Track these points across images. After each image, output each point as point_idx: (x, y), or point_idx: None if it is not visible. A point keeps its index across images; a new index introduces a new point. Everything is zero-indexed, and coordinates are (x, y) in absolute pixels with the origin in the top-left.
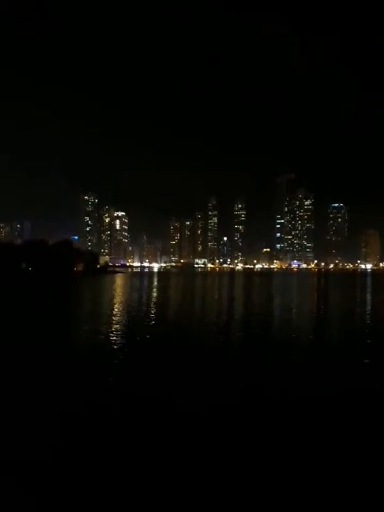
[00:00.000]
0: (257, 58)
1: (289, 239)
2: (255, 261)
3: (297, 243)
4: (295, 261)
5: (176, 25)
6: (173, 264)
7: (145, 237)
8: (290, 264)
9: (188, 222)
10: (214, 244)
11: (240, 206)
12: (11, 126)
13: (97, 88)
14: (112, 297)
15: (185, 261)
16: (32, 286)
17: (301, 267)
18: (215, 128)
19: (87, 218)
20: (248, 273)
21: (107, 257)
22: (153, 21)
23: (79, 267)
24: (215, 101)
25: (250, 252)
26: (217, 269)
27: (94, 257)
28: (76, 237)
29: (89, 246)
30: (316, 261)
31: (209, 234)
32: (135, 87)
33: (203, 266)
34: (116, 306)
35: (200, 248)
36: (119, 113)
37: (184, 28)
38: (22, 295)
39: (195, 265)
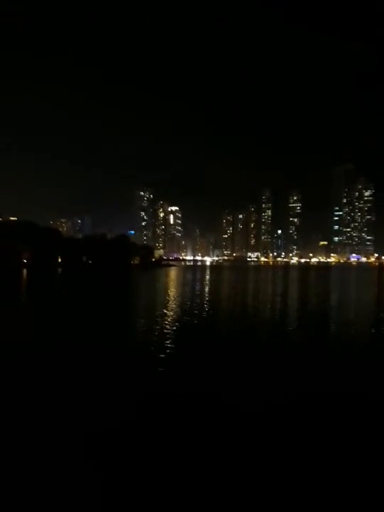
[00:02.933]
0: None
1: (348, 231)
2: (311, 254)
3: (356, 236)
4: (354, 254)
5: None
6: (226, 258)
7: (198, 231)
8: (349, 258)
9: (241, 216)
10: (267, 238)
11: (295, 198)
12: (78, 127)
13: (148, 83)
14: (167, 289)
15: (238, 255)
16: (94, 278)
17: (360, 260)
18: (268, 119)
19: (143, 213)
20: (303, 267)
21: (162, 251)
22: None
23: (135, 261)
24: (268, 92)
25: (306, 246)
26: (271, 263)
27: (149, 251)
28: (132, 232)
29: (144, 240)
30: (376, 255)
31: (262, 227)
32: (188, 83)
33: (256, 260)
34: (170, 298)
35: (253, 242)
36: (172, 107)
37: None
38: (87, 286)
39: (248, 259)
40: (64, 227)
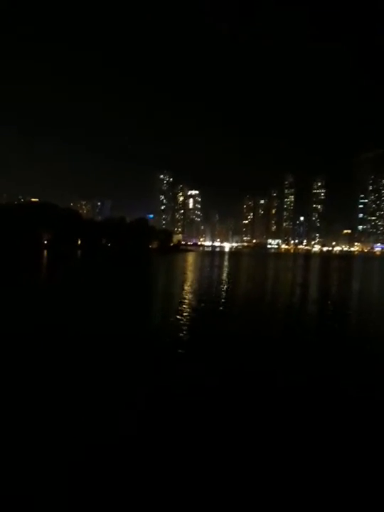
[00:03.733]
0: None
1: (373, 220)
2: (334, 243)
3: (381, 225)
4: (378, 244)
5: None
6: (245, 244)
7: (217, 216)
8: (372, 247)
9: (262, 201)
10: (289, 225)
11: (319, 184)
12: (94, 110)
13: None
14: (184, 274)
15: (258, 241)
16: (112, 261)
17: None
18: (291, 102)
19: (162, 197)
20: (325, 255)
21: (180, 236)
22: None
23: (153, 245)
24: (290, 73)
25: (329, 234)
26: (292, 250)
27: (168, 235)
28: (151, 216)
29: (163, 224)
30: None
31: (284, 213)
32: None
33: (276, 247)
34: (187, 283)
35: (274, 228)
36: (192, 92)
37: None
38: (105, 269)
39: (268, 246)
40: (84, 209)
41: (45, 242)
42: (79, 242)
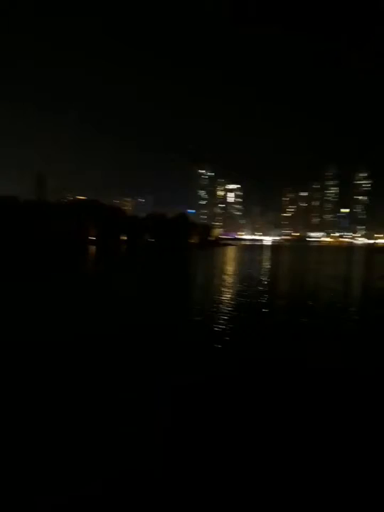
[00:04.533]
0: None
1: None
2: (381, 235)
3: None
4: None
5: None
6: (286, 237)
7: (257, 210)
8: None
9: (303, 194)
10: (332, 217)
11: (363, 175)
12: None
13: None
14: (222, 268)
15: (299, 234)
16: (154, 256)
17: None
18: (332, 91)
19: (202, 192)
20: (370, 249)
21: (220, 230)
22: None
23: (194, 239)
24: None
25: (374, 226)
26: (335, 243)
27: (207, 229)
28: (193, 211)
29: (203, 219)
30: None
31: (326, 206)
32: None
33: (318, 240)
34: (225, 278)
35: (315, 221)
36: (234, 85)
37: None
38: (148, 263)
39: (310, 239)
40: (128, 205)
41: (92, 238)
42: (123, 237)
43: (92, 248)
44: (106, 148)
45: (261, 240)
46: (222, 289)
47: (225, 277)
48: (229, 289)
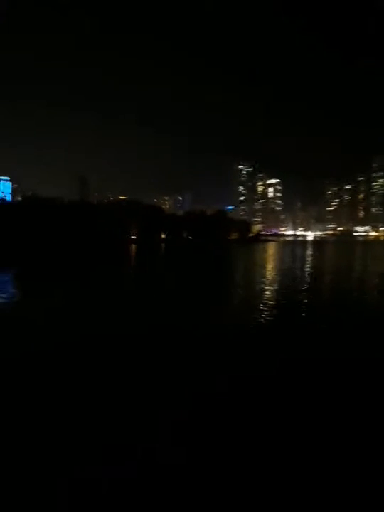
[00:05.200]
0: None
1: None
2: None
3: None
4: None
5: None
6: (330, 232)
7: (299, 204)
8: None
9: (347, 187)
10: (379, 210)
11: None
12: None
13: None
14: (262, 265)
15: (344, 229)
16: (192, 253)
17: None
18: (375, 80)
19: (242, 188)
20: None
21: (260, 226)
22: None
23: (233, 236)
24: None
25: None
26: (382, 237)
27: (247, 226)
28: (231, 207)
29: (242, 215)
30: None
31: (372, 198)
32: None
33: (364, 234)
34: (267, 274)
35: (361, 214)
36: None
37: None
38: (186, 260)
39: (356, 233)
40: (166, 204)
41: (133, 236)
42: (162, 235)
43: (133, 247)
44: (145, 147)
45: (303, 235)
46: (258, 293)
47: (266, 276)
48: (270, 288)
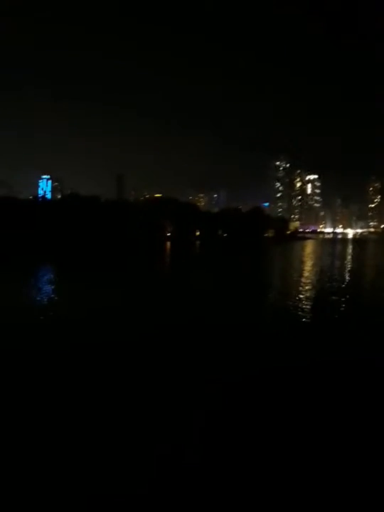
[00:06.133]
0: None
1: None
2: None
3: None
4: None
5: None
6: (372, 229)
7: (339, 201)
8: None
9: None
10: None
11: None
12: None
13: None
14: (299, 264)
15: None
16: (227, 251)
17: None
18: None
19: (278, 184)
20: None
21: (297, 223)
22: None
23: (269, 233)
24: None
25: None
26: None
27: (284, 223)
28: (267, 204)
29: (279, 212)
30: None
31: None
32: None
33: None
34: (305, 273)
35: None
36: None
37: None
38: (220, 258)
39: None
40: (201, 202)
41: (168, 234)
42: (197, 233)
43: (167, 244)
44: (181, 145)
45: (343, 233)
46: (294, 295)
47: (304, 275)
48: (301, 297)
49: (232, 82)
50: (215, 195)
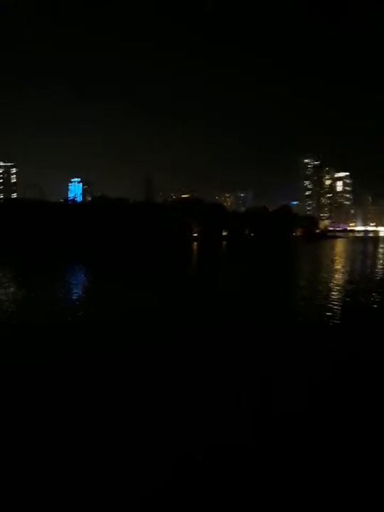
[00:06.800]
0: None
1: None
2: None
3: None
4: None
5: None
6: None
7: (370, 199)
8: None
9: None
10: None
11: None
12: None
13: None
14: (327, 264)
15: None
16: (253, 251)
17: None
18: None
19: (307, 182)
20: None
21: (327, 222)
22: None
23: (297, 232)
24: None
25: None
26: None
27: (313, 222)
28: (295, 203)
29: (308, 211)
30: None
31: None
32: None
33: None
34: (335, 274)
35: None
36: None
37: None
38: (245, 258)
39: None
40: (228, 201)
41: (195, 234)
42: (224, 233)
43: (194, 244)
44: (209, 146)
45: (375, 231)
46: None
47: (335, 277)
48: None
49: (261, 86)
50: (242, 195)
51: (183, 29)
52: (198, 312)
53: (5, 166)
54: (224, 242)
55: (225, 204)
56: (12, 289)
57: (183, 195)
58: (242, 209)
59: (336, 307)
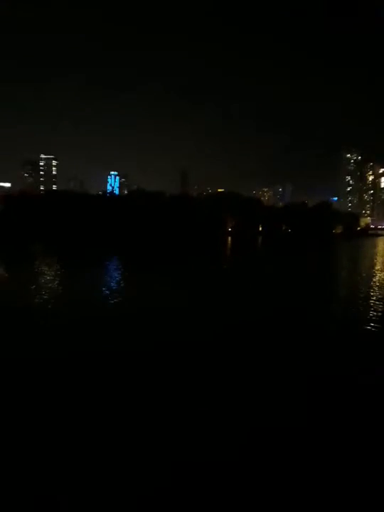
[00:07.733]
0: None
1: None
2: None
3: None
4: None
5: None
6: None
7: None
8: None
9: None
10: None
11: None
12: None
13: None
14: (369, 264)
15: None
16: (290, 247)
17: None
18: None
19: (349, 178)
20: None
21: (369, 219)
22: None
23: (337, 230)
24: None
25: None
26: None
27: (354, 219)
28: (335, 199)
29: (349, 207)
30: None
31: None
32: None
33: None
34: (373, 275)
35: None
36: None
37: None
38: (280, 255)
39: None
40: (266, 196)
41: (230, 229)
42: (260, 228)
43: (228, 239)
44: (245, 138)
45: None
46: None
47: (378, 276)
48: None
49: (299, 81)
50: (281, 189)
51: (217, 21)
52: (234, 310)
53: (46, 158)
54: (260, 238)
55: (262, 199)
56: (56, 281)
57: (219, 189)
58: (280, 204)
59: None
